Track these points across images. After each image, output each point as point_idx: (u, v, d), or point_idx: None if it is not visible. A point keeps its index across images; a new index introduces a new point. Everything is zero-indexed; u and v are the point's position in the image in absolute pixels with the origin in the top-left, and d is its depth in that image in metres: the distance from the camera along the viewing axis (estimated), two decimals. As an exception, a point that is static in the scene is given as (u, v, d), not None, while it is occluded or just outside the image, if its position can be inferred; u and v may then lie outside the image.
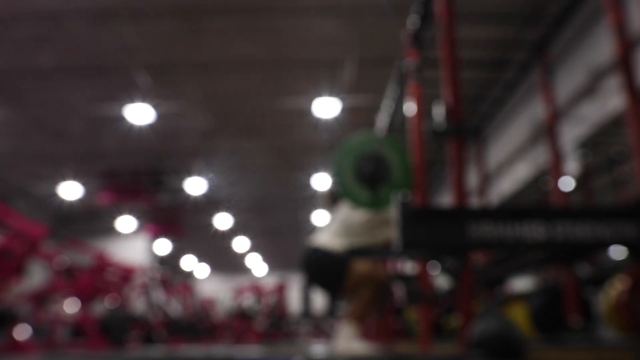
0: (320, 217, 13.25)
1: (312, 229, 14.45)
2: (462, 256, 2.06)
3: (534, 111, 6.07)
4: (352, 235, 3.01)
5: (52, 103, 7.59)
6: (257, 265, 19.67)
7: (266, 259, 19.26)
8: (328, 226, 3.13)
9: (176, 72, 6.85)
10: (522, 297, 4.25)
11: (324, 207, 3.38)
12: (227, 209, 12.94)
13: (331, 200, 3.33)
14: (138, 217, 13.25)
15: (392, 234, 3.12)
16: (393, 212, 3.01)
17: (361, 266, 2.91)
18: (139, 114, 7.74)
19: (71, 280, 5.61)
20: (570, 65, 5.35)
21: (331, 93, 7.36)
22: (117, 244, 13.38)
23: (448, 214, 1.65)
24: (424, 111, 3.31)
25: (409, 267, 5.84)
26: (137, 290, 8.77)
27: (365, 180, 2.66)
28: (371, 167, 2.69)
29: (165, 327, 8.63)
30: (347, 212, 3.08)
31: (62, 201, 11.49)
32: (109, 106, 7.61)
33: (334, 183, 2.96)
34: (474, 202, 6.30)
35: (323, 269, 2.93)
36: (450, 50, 2.44)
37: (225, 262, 19.08)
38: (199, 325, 10.10)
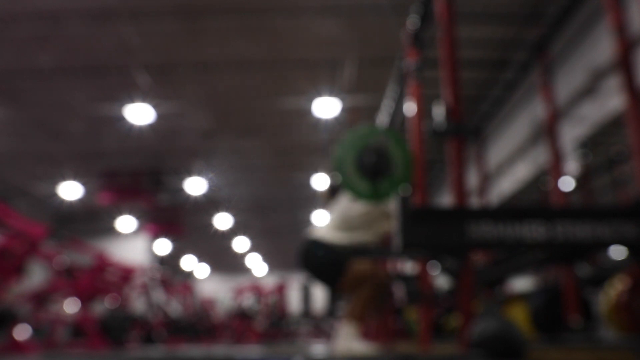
0: (319, 217, 13.25)
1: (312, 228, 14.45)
2: (462, 256, 2.06)
3: (534, 111, 6.07)
4: (351, 228, 3.01)
5: (52, 103, 7.59)
6: (257, 265, 19.67)
7: (266, 259, 19.26)
8: (327, 219, 3.13)
9: (176, 72, 6.85)
10: (522, 297, 4.25)
11: (322, 199, 3.39)
12: (227, 209, 12.94)
13: (330, 193, 3.33)
14: (138, 217, 13.25)
15: (392, 227, 3.11)
16: (393, 205, 3.03)
17: (361, 265, 2.91)
18: (139, 114, 7.73)
19: (71, 280, 5.61)
20: (570, 65, 5.35)
21: (331, 93, 7.36)
22: (117, 244, 13.38)
23: (448, 214, 1.65)
24: (424, 111, 3.32)
25: (409, 267, 5.83)
26: (137, 290, 8.77)
27: (366, 173, 2.70)
28: (373, 159, 2.71)
29: (165, 327, 8.63)
30: (346, 205, 3.08)
31: (62, 201, 11.48)
32: (109, 106, 7.61)
33: (334, 175, 3.00)
34: (474, 202, 6.30)
35: (321, 262, 2.95)
36: (450, 50, 2.44)
37: (225, 262, 19.08)
38: (199, 325, 10.09)
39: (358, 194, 2.66)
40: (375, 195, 2.65)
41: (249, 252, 17.83)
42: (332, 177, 3.30)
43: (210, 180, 10.84)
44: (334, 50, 6.37)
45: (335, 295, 2.98)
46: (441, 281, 5.12)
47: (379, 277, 2.91)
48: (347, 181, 2.66)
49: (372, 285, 2.88)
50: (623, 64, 2.31)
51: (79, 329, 5.91)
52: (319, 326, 14.80)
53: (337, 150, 2.74)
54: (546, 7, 5.31)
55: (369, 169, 2.70)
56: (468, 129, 2.37)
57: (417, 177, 3.11)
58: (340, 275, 2.90)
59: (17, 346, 4.39)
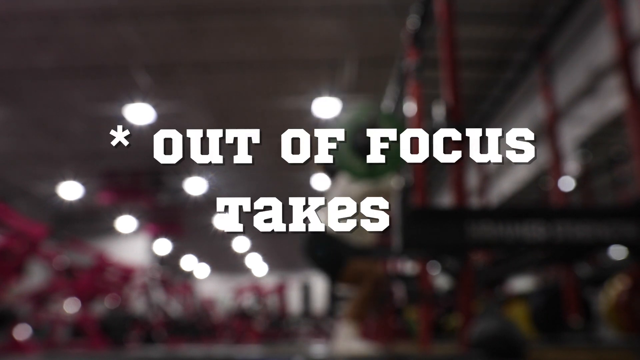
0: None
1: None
2: (462, 256, 2.06)
3: (534, 111, 6.07)
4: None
5: (52, 103, 7.58)
6: (257, 265, 19.67)
7: (266, 259, 19.26)
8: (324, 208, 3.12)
9: (176, 72, 6.85)
10: (522, 297, 4.25)
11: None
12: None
13: (327, 175, 3.31)
14: (138, 217, 13.24)
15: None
16: (389, 183, 3.07)
17: (358, 263, 2.91)
18: (139, 114, 7.72)
19: (71, 280, 5.61)
20: (570, 65, 5.35)
21: (331, 93, 7.36)
22: (117, 244, 13.37)
23: (448, 214, 1.65)
24: (424, 111, 3.32)
25: (409, 267, 5.83)
26: (137, 290, 8.77)
27: (361, 152, 2.76)
28: (367, 139, 2.84)
29: (165, 327, 8.62)
30: (344, 191, 3.08)
31: (62, 201, 11.48)
32: (109, 106, 7.61)
33: (330, 157, 3.05)
34: (474, 202, 6.30)
35: (323, 256, 2.96)
36: (450, 50, 2.44)
37: (225, 262, 19.08)
38: (199, 325, 10.09)
39: (354, 174, 2.71)
40: (372, 174, 2.72)
41: (249, 252, 17.83)
42: (327, 160, 3.29)
43: (210, 180, 10.83)
44: (334, 50, 6.37)
45: (336, 287, 2.97)
46: (441, 281, 5.12)
47: (377, 274, 2.91)
48: (343, 162, 2.71)
49: (370, 282, 2.87)
50: (623, 64, 2.31)
51: (79, 329, 5.91)
52: (319, 326, 14.80)
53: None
54: (546, 7, 5.30)
55: (364, 148, 2.74)
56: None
57: (417, 177, 3.11)
58: (341, 265, 2.92)
59: (17, 346, 4.39)
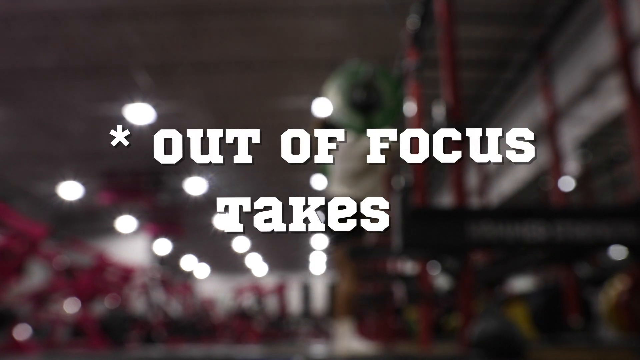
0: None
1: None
2: (462, 256, 2.06)
3: (534, 111, 6.07)
4: (357, 178, 2.97)
5: (52, 103, 7.58)
6: (257, 265, 19.67)
7: (266, 259, 19.26)
8: (332, 177, 3.10)
9: (176, 72, 6.85)
10: (522, 297, 4.25)
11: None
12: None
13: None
14: (138, 217, 13.24)
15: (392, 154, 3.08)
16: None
17: (341, 252, 2.90)
18: (139, 114, 7.72)
19: (71, 280, 5.60)
20: (570, 65, 5.35)
21: (331, 93, 7.35)
22: (117, 244, 13.37)
23: (448, 214, 1.65)
24: (424, 111, 3.32)
25: (409, 267, 5.83)
26: (137, 290, 8.76)
27: (358, 107, 2.88)
28: (364, 94, 2.90)
29: (165, 327, 8.62)
30: (345, 153, 3.04)
31: (62, 201, 11.48)
32: (109, 106, 7.61)
33: (327, 113, 3.07)
34: (474, 202, 6.30)
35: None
36: (450, 50, 2.44)
37: (225, 262, 19.08)
38: (199, 325, 10.09)
39: (352, 128, 2.79)
40: (369, 127, 2.77)
41: (249, 252, 17.83)
42: (325, 117, 3.27)
43: (210, 180, 10.83)
44: (334, 50, 6.37)
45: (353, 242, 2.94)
46: (441, 281, 5.12)
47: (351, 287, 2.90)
48: (341, 117, 2.80)
49: (348, 279, 2.87)
50: (623, 64, 2.31)
51: (79, 329, 5.91)
52: (319, 326, 14.80)
53: (328, 88, 2.89)
54: (546, 7, 5.30)
55: (361, 103, 2.89)
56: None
57: (417, 177, 3.12)
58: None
59: (17, 346, 4.39)
